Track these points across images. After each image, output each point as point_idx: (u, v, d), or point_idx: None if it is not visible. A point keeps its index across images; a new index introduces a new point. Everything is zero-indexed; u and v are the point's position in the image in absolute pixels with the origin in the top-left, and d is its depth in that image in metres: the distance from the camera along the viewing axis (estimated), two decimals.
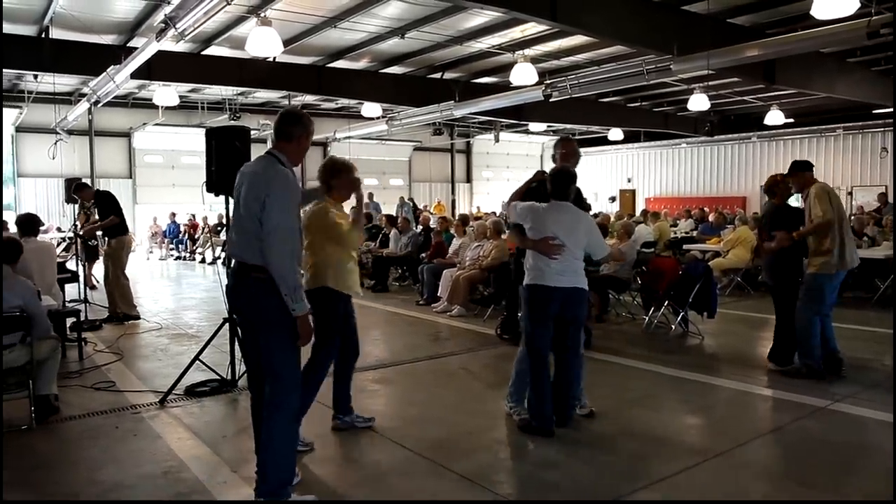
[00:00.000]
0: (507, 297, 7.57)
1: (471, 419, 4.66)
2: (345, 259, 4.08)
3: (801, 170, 5.71)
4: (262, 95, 17.88)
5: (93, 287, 10.59)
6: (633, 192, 25.72)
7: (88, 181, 17.23)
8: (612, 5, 9.01)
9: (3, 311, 4.36)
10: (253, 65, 12.74)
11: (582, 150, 4.86)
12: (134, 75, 10.99)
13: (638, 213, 18.52)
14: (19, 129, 18.13)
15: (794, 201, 5.99)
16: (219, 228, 16.29)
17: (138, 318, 8.25)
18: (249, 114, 18.81)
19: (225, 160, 4.85)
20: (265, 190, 3.09)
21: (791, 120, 18.64)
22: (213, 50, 12.30)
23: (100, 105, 13.85)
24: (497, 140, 22.53)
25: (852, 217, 12.80)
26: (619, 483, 3.62)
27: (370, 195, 20.78)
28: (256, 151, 4.67)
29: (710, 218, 14.76)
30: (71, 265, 9.03)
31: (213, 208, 16.25)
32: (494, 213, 18.69)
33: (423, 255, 10.78)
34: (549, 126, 21.43)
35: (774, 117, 16.76)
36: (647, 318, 7.77)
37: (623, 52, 11.98)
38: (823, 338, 5.56)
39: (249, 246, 3.13)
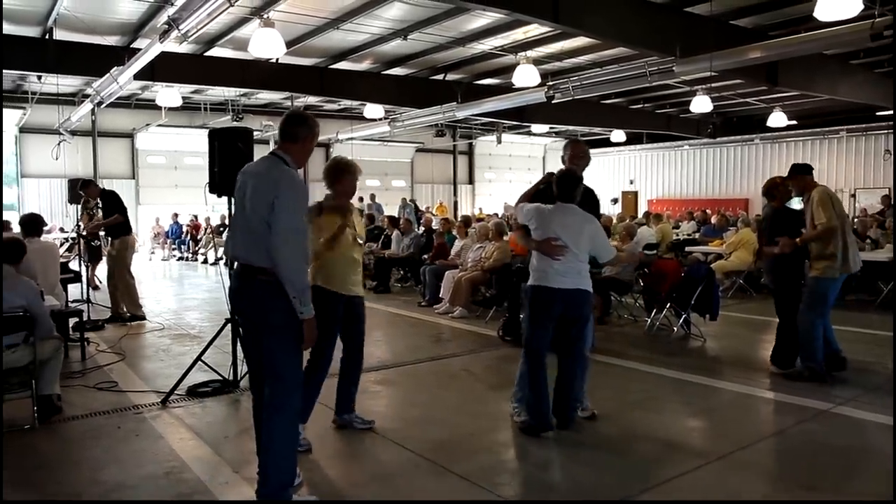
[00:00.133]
0: (508, 299, 7.57)
1: (473, 420, 4.66)
2: (335, 259, 4.05)
3: (801, 173, 5.67)
4: (265, 96, 17.91)
5: (95, 287, 10.61)
6: (635, 193, 25.72)
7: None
8: (615, 7, 9.01)
9: (6, 311, 4.37)
10: (256, 66, 12.76)
11: None
12: (137, 76, 11.02)
13: (640, 214, 18.51)
14: (23, 130, 18.18)
15: (797, 203, 5.97)
16: (221, 229, 16.31)
17: (144, 318, 8.26)
18: (252, 115, 18.84)
19: (228, 161, 4.85)
20: (273, 191, 3.06)
21: (794, 122, 18.62)
22: (216, 51, 12.33)
23: (103, 106, 13.91)
24: (499, 142, 22.56)
25: (855, 219, 12.80)
26: (621, 485, 3.61)
27: (372, 196, 20.86)
28: (259, 152, 4.68)
29: (713, 220, 14.75)
30: (74, 265, 9.05)
31: (216, 209, 16.30)
32: (496, 214, 18.71)
33: (426, 256, 10.79)
34: (551, 128, 21.44)
35: (777, 119, 16.75)
36: (648, 321, 7.77)
37: (625, 53, 11.98)
38: (825, 339, 5.56)
39: (256, 248, 3.10)
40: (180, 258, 18.02)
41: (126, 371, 5.98)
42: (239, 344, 4.95)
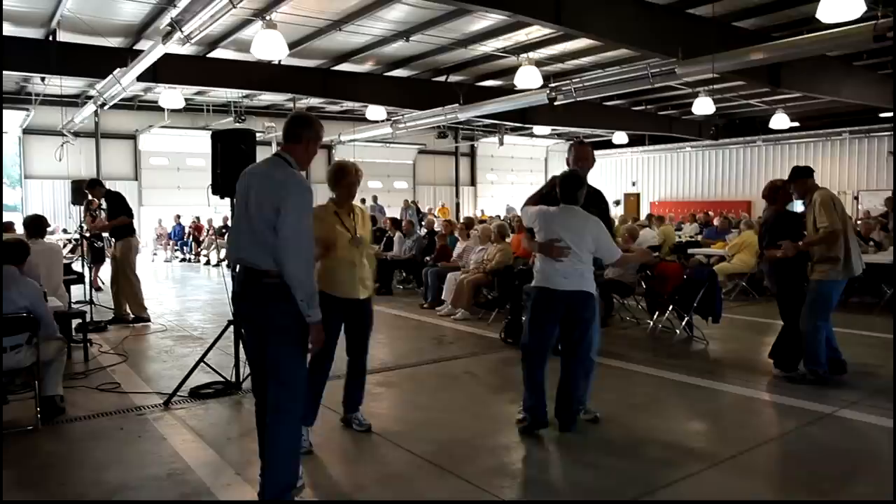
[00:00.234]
0: (511, 301, 7.57)
1: (475, 422, 4.66)
2: (334, 263, 4.05)
3: (802, 176, 5.63)
4: (268, 98, 17.95)
5: (98, 288, 10.63)
6: (637, 195, 25.72)
7: None
8: (617, 8, 9.02)
9: (10, 312, 4.38)
10: (258, 68, 12.79)
11: None
12: (140, 78, 11.06)
13: (643, 217, 18.50)
14: (26, 131, 18.23)
15: (798, 206, 5.96)
16: (223, 231, 16.34)
17: (148, 320, 8.25)
18: (255, 116, 18.89)
19: (230, 163, 4.86)
20: (280, 194, 3.04)
21: (797, 124, 18.61)
22: (219, 53, 12.36)
23: (106, 107, 13.96)
24: (501, 143, 22.57)
25: (858, 221, 12.78)
26: (624, 488, 3.61)
27: (374, 198, 20.88)
28: (261, 154, 4.69)
29: (715, 222, 14.74)
30: (77, 266, 9.06)
31: (218, 210, 16.31)
32: (498, 216, 18.71)
33: (428, 258, 10.79)
34: (553, 129, 21.45)
35: (780, 121, 16.75)
36: (651, 323, 7.76)
37: (628, 55, 11.99)
38: (826, 342, 5.54)
39: (261, 250, 3.08)
40: (183, 259, 18.05)
41: (129, 372, 5.99)
42: (241, 347, 4.95)
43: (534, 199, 4.68)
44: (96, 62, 11.44)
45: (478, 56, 12.72)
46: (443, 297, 9.26)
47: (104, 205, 8.81)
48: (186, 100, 15.48)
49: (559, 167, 4.47)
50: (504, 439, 4.39)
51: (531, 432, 4.33)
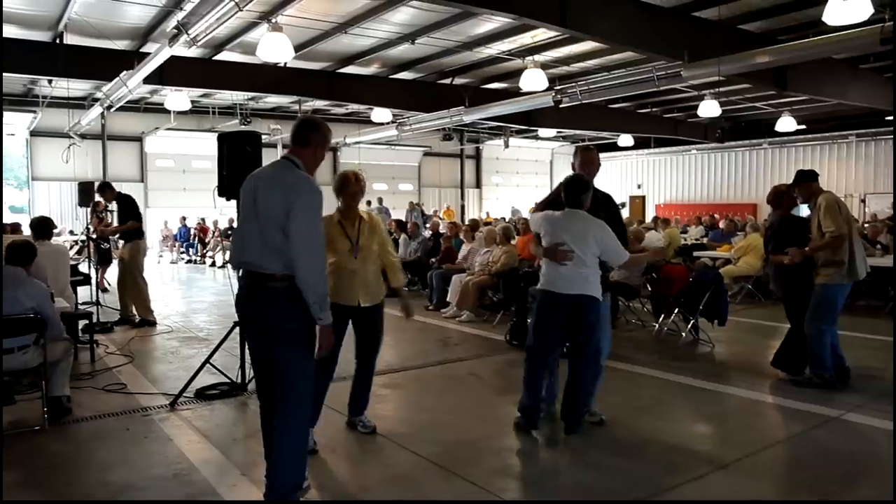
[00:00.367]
0: (516, 303, 7.57)
1: (480, 424, 4.66)
2: (336, 271, 4.05)
3: (807, 180, 5.58)
4: (273, 100, 18.01)
5: (105, 290, 10.67)
6: (643, 198, 25.69)
7: None
8: (623, 11, 9.02)
9: (17, 313, 4.40)
10: (264, 70, 12.83)
11: None
12: (146, 80, 11.11)
13: (648, 219, 18.47)
14: (34, 134, 18.35)
15: (804, 210, 5.93)
16: (229, 232, 16.38)
17: (154, 323, 8.27)
18: (260, 118, 18.95)
19: (236, 165, 4.88)
20: (291, 196, 3.01)
21: (803, 126, 18.57)
22: (225, 55, 12.41)
23: (112, 109, 14.04)
24: (507, 146, 22.57)
25: (865, 225, 12.73)
26: (629, 491, 3.60)
27: (380, 200, 20.90)
28: (267, 156, 4.71)
29: (721, 225, 14.71)
30: (83, 268, 9.10)
31: (224, 212, 16.36)
32: (504, 218, 18.71)
33: (433, 260, 10.80)
34: (558, 132, 21.46)
35: (786, 124, 16.71)
36: (657, 325, 7.74)
37: (633, 58, 11.98)
38: (831, 348, 5.51)
39: (270, 253, 3.05)
40: (188, 261, 18.09)
41: (135, 373, 6.01)
42: (247, 348, 4.96)
43: (541, 205, 4.71)
44: (103, 65, 11.51)
45: (483, 58, 12.73)
46: (448, 299, 9.26)
47: (111, 206, 8.84)
48: (192, 102, 15.54)
49: (564, 170, 4.49)
50: (509, 441, 4.39)
51: (527, 431, 4.40)
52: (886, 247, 10.43)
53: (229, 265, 4.08)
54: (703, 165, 23.77)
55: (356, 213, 4.25)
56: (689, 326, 7.31)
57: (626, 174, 26.20)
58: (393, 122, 17.05)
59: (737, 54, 9.17)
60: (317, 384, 4.00)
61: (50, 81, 13.90)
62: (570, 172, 4.68)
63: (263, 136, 5.32)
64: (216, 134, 5.44)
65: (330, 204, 4.27)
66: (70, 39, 11.08)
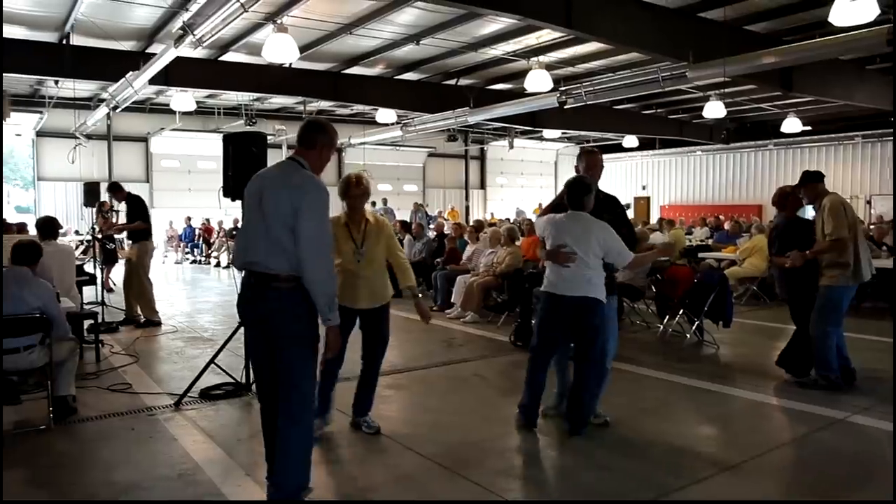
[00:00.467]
0: (520, 304, 7.56)
1: (484, 425, 4.66)
2: (342, 273, 4.08)
3: (813, 181, 5.56)
4: (278, 101, 18.02)
5: (110, 290, 10.70)
6: (647, 199, 25.63)
7: (106, 185, 17.47)
8: (628, 12, 9.01)
9: (22, 312, 4.42)
10: (269, 71, 12.84)
11: None
12: (152, 81, 11.15)
13: (653, 220, 18.43)
14: (40, 134, 18.41)
15: (810, 211, 5.91)
16: (234, 233, 16.41)
17: (159, 323, 8.29)
18: (265, 119, 18.97)
19: (242, 165, 4.90)
20: (298, 197, 3.01)
21: (808, 128, 18.51)
22: (230, 56, 12.43)
23: (118, 110, 14.08)
24: (511, 147, 22.56)
25: (871, 226, 12.67)
26: (633, 492, 3.60)
27: (384, 201, 20.91)
28: (272, 157, 4.73)
29: (726, 226, 14.67)
30: (88, 268, 9.13)
31: (229, 213, 16.41)
32: (508, 219, 18.70)
33: (437, 260, 10.80)
34: (563, 133, 21.44)
35: (792, 125, 16.65)
36: (661, 327, 7.73)
37: (638, 59, 11.96)
38: (836, 350, 5.48)
39: (276, 254, 3.04)
40: (193, 261, 18.15)
41: (140, 373, 6.02)
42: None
43: (547, 209, 4.74)
44: (109, 65, 11.55)
45: (488, 59, 12.73)
46: (452, 300, 9.26)
47: (117, 207, 8.87)
48: (197, 103, 15.57)
49: (569, 171, 4.49)
50: (513, 442, 4.39)
51: (531, 432, 4.45)
52: (893, 248, 10.38)
53: (233, 265, 4.08)
54: (708, 167, 23.71)
55: (362, 216, 4.29)
56: (694, 328, 7.29)
57: (631, 175, 26.15)
58: (398, 122, 17.06)
59: (742, 55, 9.14)
60: (323, 384, 4.04)
61: (56, 82, 13.93)
62: (573, 174, 4.68)
63: (268, 137, 5.33)
64: (221, 135, 5.46)
65: (337, 205, 4.30)
66: (76, 40, 11.11)
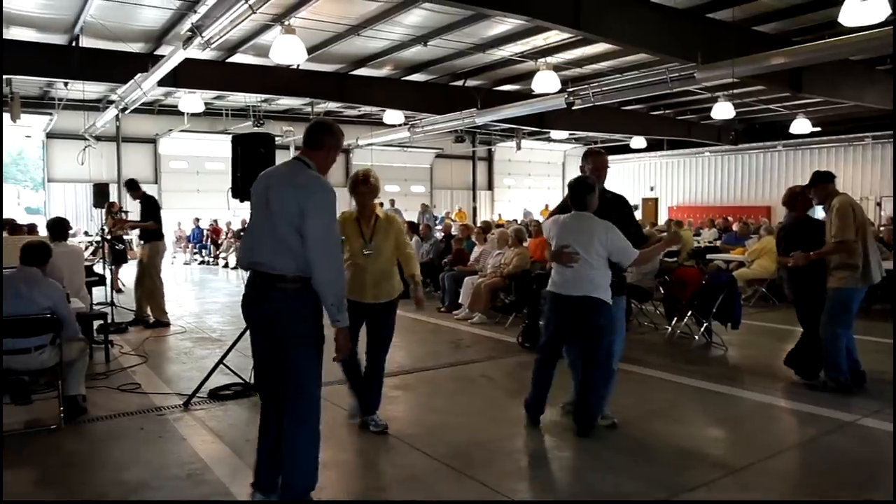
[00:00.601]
0: (528, 305, 7.55)
1: (491, 426, 4.66)
2: (350, 267, 4.21)
3: (823, 181, 5.53)
4: (286, 102, 18.08)
5: (119, 291, 10.75)
6: (655, 200, 25.56)
7: (115, 186, 17.60)
8: (636, 13, 8.99)
9: (32, 312, 4.45)
10: (277, 72, 12.88)
11: None
12: (160, 83, 11.19)
13: (661, 221, 18.36)
14: (50, 136, 18.52)
15: (819, 212, 5.88)
16: (241, 233, 16.47)
17: (168, 324, 8.33)
18: (273, 120, 19.03)
19: (250, 166, 4.90)
20: (304, 197, 3.00)
21: (818, 129, 18.41)
22: (238, 58, 12.47)
23: (127, 112, 14.15)
24: (519, 148, 22.55)
25: (881, 228, 12.59)
26: (640, 494, 3.59)
27: (392, 202, 20.93)
28: (280, 158, 4.74)
29: (734, 227, 14.60)
30: (98, 269, 9.18)
31: (237, 214, 16.46)
32: (516, 220, 18.68)
33: (445, 261, 10.81)
34: (570, 134, 21.41)
35: (801, 126, 16.58)
36: (669, 328, 7.71)
37: (646, 59, 11.94)
38: (846, 352, 5.45)
39: (281, 253, 3.03)
40: (202, 262, 18.22)
41: (149, 373, 6.05)
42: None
43: (554, 211, 4.76)
44: (118, 67, 11.61)
45: (496, 60, 12.72)
46: (460, 301, 9.26)
47: (126, 207, 8.93)
48: (206, 104, 15.63)
49: (576, 172, 4.45)
50: (521, 443, 4.39)
51: (538, 433, 4.49)
52: (893, 247, 10.31)
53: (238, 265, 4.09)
54: (717, 168, 23.62)
55: (371, 211, 4.35)
56: (702, 329, 7.27)
57: (639, 176, 26.09)
58: (405, 123, 17.08)
59: (751, 56, 9.10)
60: (348, 378, 4.37)
61: (66, 84, 14.01)
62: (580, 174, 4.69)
63: (276, 138, 5.35)
64: (229, 136, 5.48)
65: (345, 204, 4.34)
66: (85, 42, 11.18)
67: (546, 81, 11.19)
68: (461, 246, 10.95)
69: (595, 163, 4.66)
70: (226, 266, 16.87)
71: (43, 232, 8.96)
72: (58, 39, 11.24)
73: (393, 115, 16.35)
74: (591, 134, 20.71)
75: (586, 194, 4.37)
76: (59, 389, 4.54)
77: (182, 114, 15.74)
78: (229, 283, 13.66)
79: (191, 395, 5.14)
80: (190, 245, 18.96)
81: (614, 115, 17.73)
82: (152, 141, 19.91)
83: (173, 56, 9.41)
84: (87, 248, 13.14)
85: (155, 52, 11.71)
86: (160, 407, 5.03)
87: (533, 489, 3.78)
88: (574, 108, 12.45)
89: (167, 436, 4.45)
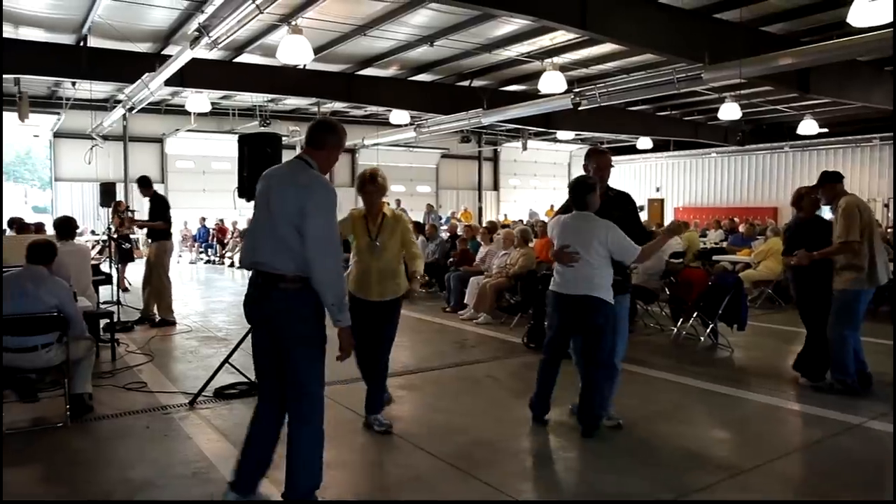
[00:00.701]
0: (533, 306, 7.55)
1: (496, 427, 4.65)
2: (356, 264, 4.36)
3: (831, 181, 5.51)
4: (292, 102, 18.10)
5: (125, 289, 10.79)
6: (661, 201, 25.48)
7: (122, 186, 17.68)
8: (643, 13, 8.97)
9: (39, 311, 4.47)
10: (283, 72, 12.90)
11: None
12: (167, 82, 11.22)
13: (667, 223, 18.27)
14: (57, 135, 18.62)
15: (828, 212, 5.85)
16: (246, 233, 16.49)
17: (174, 323, 8.35)
18: (279, 120, 19.03)
19: (257, 166, 4.90)
20: (304, 196, 2.99)
21: (825, 129, 18.32)
22: (245, 58, 12.50)
23: (134, 111, 14.20)
24: (525, 148, 22.52)
25: (889, 229, 12.52)
26: (644, 495, 3.58)
27: (398, 202, 20.94)
28: (286, 158, 4.74)
29: (741, 229, 14.56)
30: (104, 267, 9.22)
31: (243, 213, 16.48)
32: (521, 220, 18.66)
33: (450, 260, 10.81)
34: (577, 135, 21.36)
35: (808, 127, 16.49)
36: (675, 330, 7.68)
37: (653, 60, 11.90)
38: (854, 354, 5.42)
39: (282, 253, 3.03)
40: (207, 261, 18.27)
41: (155, 372, 6.07)
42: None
43: (559, 211, 4.79)
44: (125, 67, 11.66)
45: (502, 61, 12.71)
46: (465, 301, 9.26)
47: (134, 206, 8.97)
48: (212, 104, 15.66)
49: (582, 172, 4.47)
50: (526, 443, 4.39)
51: (544, 434, 4.51)
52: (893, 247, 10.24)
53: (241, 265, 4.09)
54: (723, 169, 23.53)
55: (378, 210, 4.41)
56: (708, 331, 7.25)
57: (645, 177, 26.01)
58: (411, 124, 17.08)
59: (759, 56, 9.06)
60: (364, 376, 4.44)
61: (73, 84, 14.07)
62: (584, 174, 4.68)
63: (283, 138, 5.36)
64: (236, 136, 5.49)
65: (350, 204, 4.36)
66: (93, 42, 11.23)
67: (552, 82, 11.17)
68: (465, 246, 10.95)
69: (598, 162, 4.66)
70: (231, 265, 16.91)
71: (50, 231, 9.00)
72: (66, 39, 11.29)
73: (399, 115, 16.36)
74: (597, 134, 20.67)
75: (586, 194, 4.39)
76: (66, 387, 4.56)
77: (189, 113, 15.79)
78: (235, 283, 13.69)
79: (196, 394, 5.15)
80: (196, 244, 19.01)
81: (621, 116, 17.69)
82: (159, 140, 19.97)
83: (180, 56, 9.44)
84: (93, 246, 13.19)
85: (162, 52, 11.75)
86: (166, 405, 5.04)
87: (537, 489, 3.78)
88: (580, 108, 12.42)
89: (173, 434, 4.46)
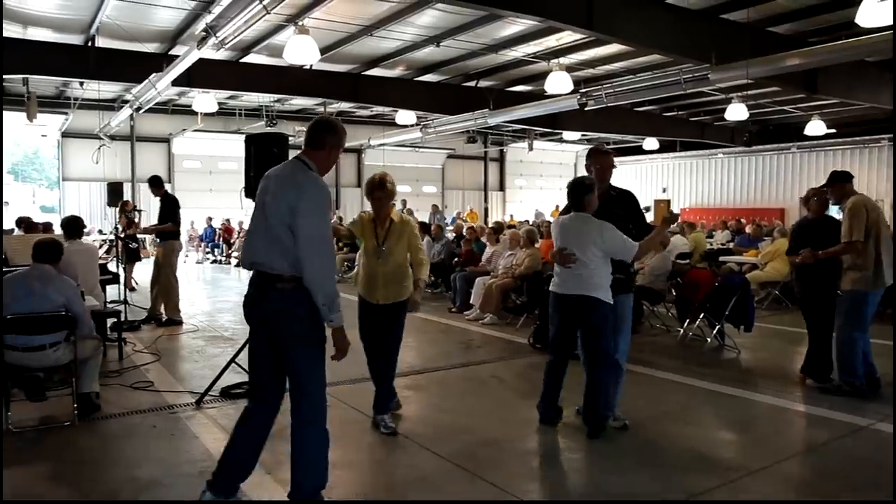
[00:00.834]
0: (539, 306, 7.54)
1: (502, 427, 4.65)
2: (363, 267, 4.48)
3: (840, 181, 5.50)
4: (299, 102, 18.12)
5: (132, 289, 10.83)
6: (667, 202, 25.40)
7: (129, 185, 17.75)
8: (649, 14, 8.94)
9: (46, 309, 4.49)
10: (290, 72, 12.92)
11: (616, 159, 4.81)
12: (175, 82, 11.25)
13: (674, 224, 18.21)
14: (65, 135, 18.70)
15: (836, 212, 5.83)
16: None
17: (181, 322, 8.38)
18: (286, 120, 19.08)
19: (264, 166, 4.88)
20: (297, 196, 2.99)
21: (833, 130, 18.24)
22: (252, 58, 12.52)
23: (141, 111, 14.25)
24: (531, 149, 22.51)
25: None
26: (650, 496, 3.57)
27: (403, 202, 20.94)
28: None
29: (748, 230, 14.50)
30: (112, 267, 9.25)
31: (249, 213, 16.50)
32: (527, 221, 18.64)
33: (455, 260, 10.81)
34: (583, 135, 21.32)
35: (815, 127, 16.42)
36: (682, 331, 7.66)
37: (659, 60, 11.87)
38: (862, 356, 5.39)
39: (276, 252, 3.02)
40: (214, 261, 18.32)
41: (162, 371, 6.10)
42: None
43: (562, 213, 4.79)
44: (133, 67, 11.70)
45: (508, 61, 12.70)
46: (471, 302, 9.26)
47: (140, 206, 9.00)
48: (219, 104, 15.71)
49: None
50: (531, 444, 4.39)
51: (551, 434, 4.51)
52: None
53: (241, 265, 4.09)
54: (730, 169, 23.45)
55: (386, 214, 4.46)
56: (715, 332, 7.22)
57: (651, 178, 25.95)
58: (417, 124, 17.08)
59: (766, 57, 9.02)
60: (373, 376, 4.50)
61: (81, 84, 14.15)
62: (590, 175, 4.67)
63: (289, 138, 5.38)
64: (242, 136, 5.51)
65: (357, 204, 4.37)
66: (101, 42, 11.27)
67: (559, 82, 11.16)
68: (470, 247, 10.95)
69: (600, 162, 4.66)
70: (237, 265, 16.95)
71: (58, 230, 9.05)
72: (74, 39, 11.34)
73: (405, 116, 16.37)
74: (603, 135, 20.63)
75: (584, 195, 4.41)
76: (73, 386, 4.59)
77: (196, 113, 15.83)
78: (241, 283, 13.72)
79: (203, 394, 5.17)
80: (202, 244, 19.06)
81: (627, 116, 17.64)
82: (166, 140, 20.04)
83: (188, 56, 9.47)
84: (101, 246, 13.24)
85: (169, 52, 11.79)
86: (172, 405, 5.06)
87: (543, 490, 3.78)
88: (587, 108, 12.41)
89: (179, 433, 4.47)
